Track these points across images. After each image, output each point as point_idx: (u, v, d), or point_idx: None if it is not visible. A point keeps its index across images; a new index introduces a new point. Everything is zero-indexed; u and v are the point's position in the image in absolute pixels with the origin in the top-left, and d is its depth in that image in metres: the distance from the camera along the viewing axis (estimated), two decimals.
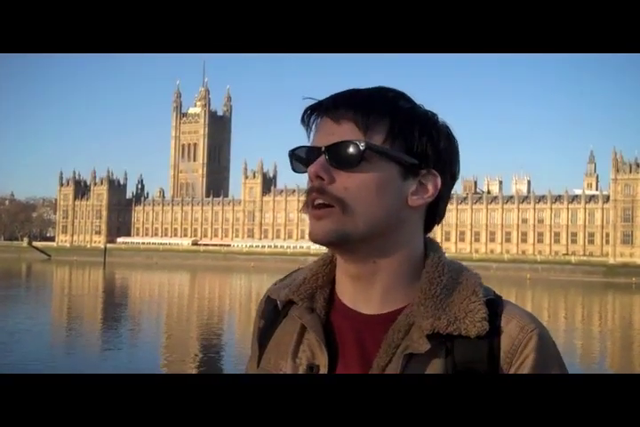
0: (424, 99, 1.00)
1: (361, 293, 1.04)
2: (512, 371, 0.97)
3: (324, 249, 1.07)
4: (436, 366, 0.96)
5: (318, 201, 0.98)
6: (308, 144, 1.03)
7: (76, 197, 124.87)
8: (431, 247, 1.06)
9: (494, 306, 1.00)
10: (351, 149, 0.97)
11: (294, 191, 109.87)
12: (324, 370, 1.01)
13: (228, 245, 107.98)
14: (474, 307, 0.98)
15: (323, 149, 0.98)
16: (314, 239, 1.00)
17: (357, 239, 0.98)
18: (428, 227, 1.06)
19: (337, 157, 0.97)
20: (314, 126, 1.03)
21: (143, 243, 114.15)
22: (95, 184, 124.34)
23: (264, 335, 1.12)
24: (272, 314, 1.12)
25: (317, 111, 1.02)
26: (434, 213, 1.04)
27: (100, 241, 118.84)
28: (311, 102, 1.03)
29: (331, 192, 0.97)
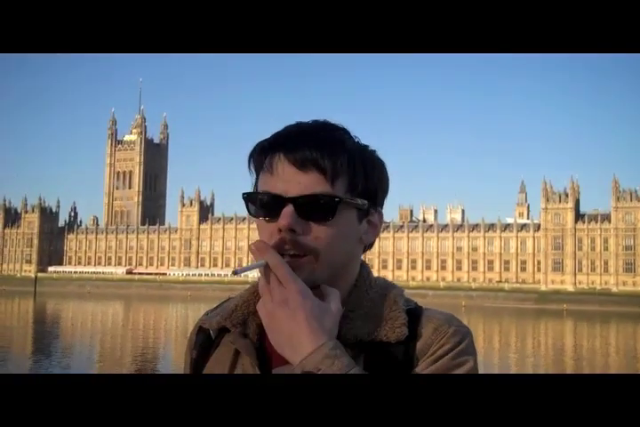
0: (368, 127, 1.07)
1: None
2: (422, 365, 1.01)
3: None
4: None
5: (291, 252, 0.99)
6: (258, 184, 1.04)
7: (5, 225, 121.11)
8: (362, 266, 1.12)
9: (415, 313, 1.06)
10: (326, 204, 0.99)
11: (232, 219, 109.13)
12: None
13: (164, 274, 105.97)
14: (394, 315, 1.04)
15: (293, 199, 0.99)
16: None
17: (320, 282, 1.02)
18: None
19: (310, 209, 0.99)
20: (269, 166, 1.02)
21: (76, 272, 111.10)
22: (26, 211, 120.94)
23: (198, 366, 1.12)
24: (205, 344, 1.13)
25: (272, 151, 1.02)
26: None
27: (30, 270, 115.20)
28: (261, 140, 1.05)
29: (305, 244, 0.99)
